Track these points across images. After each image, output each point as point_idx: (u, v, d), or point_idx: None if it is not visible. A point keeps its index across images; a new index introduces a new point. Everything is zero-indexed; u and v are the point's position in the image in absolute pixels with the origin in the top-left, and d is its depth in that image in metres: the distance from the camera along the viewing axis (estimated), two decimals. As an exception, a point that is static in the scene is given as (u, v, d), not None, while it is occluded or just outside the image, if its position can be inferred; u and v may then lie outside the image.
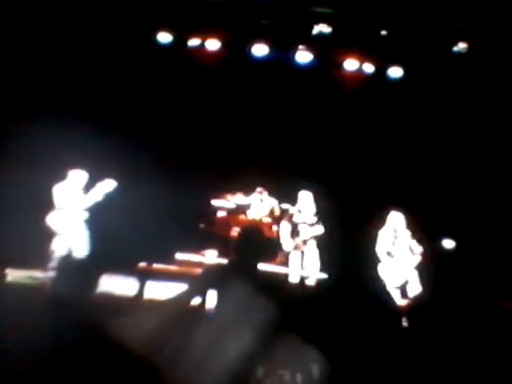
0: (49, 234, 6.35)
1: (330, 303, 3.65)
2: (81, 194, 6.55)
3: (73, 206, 6.45)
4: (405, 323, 4.75)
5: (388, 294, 5.87)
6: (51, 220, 6.41)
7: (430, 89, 8.29)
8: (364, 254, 7.00)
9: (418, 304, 5.60)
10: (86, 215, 6.51)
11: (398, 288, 6.61)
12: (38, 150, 6.97)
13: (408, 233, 6.96)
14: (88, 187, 6.60)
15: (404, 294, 6.51)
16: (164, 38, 8.25)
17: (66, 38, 7.81)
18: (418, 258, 6.71)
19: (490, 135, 8.07)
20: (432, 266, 6.62)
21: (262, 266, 3.64)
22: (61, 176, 6.56)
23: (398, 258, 6.82)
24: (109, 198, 6.54)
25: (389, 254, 6.83)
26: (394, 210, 7.07)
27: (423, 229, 7.03)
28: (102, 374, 3.60)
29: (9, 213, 6.47)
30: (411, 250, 6.82)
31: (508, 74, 7.81)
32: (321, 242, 7.26)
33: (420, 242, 6.83)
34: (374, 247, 6.95)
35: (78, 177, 6.64)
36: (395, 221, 7.02)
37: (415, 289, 6.54)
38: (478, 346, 4.41)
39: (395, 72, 8.45)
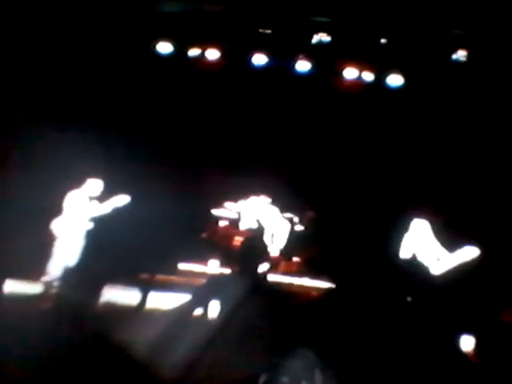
0: (53, 243, 6.34)
1: (335, 311, 3.65)
2: (85, 204, 6.56)
3: (77, 216, 6.45)
4: (411, 330, 4.74)
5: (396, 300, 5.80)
6: (55, 228, 6.41)
7: (429, 96, 8.29)
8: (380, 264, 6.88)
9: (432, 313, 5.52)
10: (90, 225, 6.51)
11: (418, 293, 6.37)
12: (42, 159, 6.99)
13: (435, 241, 6.74)
14: (90, 196, 6.61)
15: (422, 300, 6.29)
16: (164, 48, 8.29)
17: (68, 49, 7.84)
18: (443, 266, 6.46)
19: (490, 143, 8.07)
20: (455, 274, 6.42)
21: (266, 275, 3.64)
22: (64, 185, 6.57)
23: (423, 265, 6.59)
24: (112, 209, 6.56)
25: (413, 261, 6.63)
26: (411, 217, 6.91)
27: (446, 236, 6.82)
28: (104, 383, 3.60)
29: (13, 220, 6.48)
30: (437, 259, 6.58)
31: (508, 82, 7.82)
32: (332, 250, 7.21)
33: (447, 249, 6.62)
34: (396, 255, 6.76)
35: (81, 186, 6.64)
36: (417, 228, 6.79)
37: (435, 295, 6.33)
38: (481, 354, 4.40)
39: (395, 80, 8.46)
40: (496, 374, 4.24)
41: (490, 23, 7.50)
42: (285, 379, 3.18)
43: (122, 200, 6.59)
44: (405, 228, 6.94)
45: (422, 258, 6.63)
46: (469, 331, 5.14)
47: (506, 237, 7.34)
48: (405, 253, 6.69)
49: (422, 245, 6.77)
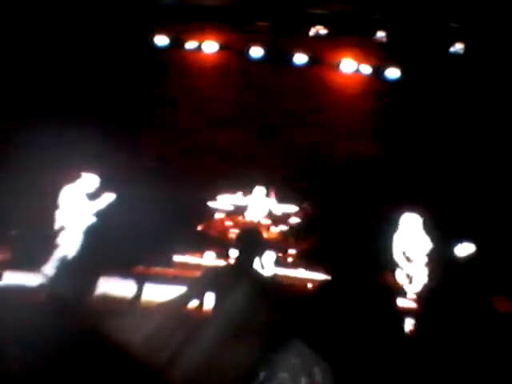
0: (48, 236, 6.34)
1: (333, 305, 3.63)
2: (80, 198, 6.55)
3: (74, 209, 6.44)
4: (409, 326, 4.73)
5: (393, 295, 5.80)
6: (51, 222, 6.40)
7: (427, 89, 8.29)
8: (376, 257, 6.85)
9: (427, 308, 5.50)
10: (84, 218, 6.50)
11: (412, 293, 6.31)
12: (38, 153, 6.98)
13: (426, 237, 6.72)
14: (86, 190, 6.60)
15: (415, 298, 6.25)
16: (161, 40, 8.26)
17: (65, 41, 7.81)
18: (433, 264, 6.38)
19: (487, 135, 8.07)
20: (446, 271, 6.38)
21: (262, 268, 3.63)
22: (60, 178, 6.56)
23: (414, 262, 6.54)
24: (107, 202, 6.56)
25: (404, 257, 6.60)
26: (405, 211, 6.89)
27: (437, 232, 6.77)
28: (100, 376, 3.59)
29: (10, 213, 6.48)
30: (427, 256, 6.54)
31: (505, 74, 7.82)
32: (328, 242, 7.20)
33: (437, 245, 6.58)
34: (387, 250, 6.75)
35: (77, 180, 6.63)
36: (409, 223, 6.77)
37: (426, 293, 6.29)
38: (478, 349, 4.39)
39: (392, 73, 8.45)
40: (490, 364, 4.25)
41: (487, 16, 7.51)
42: (285, 375, 3.17)
43: (113, 195, 6.59)
44: (398, 222, 6.97)
45: (415, 252, 6.65)
46: (462, 321, 5.14)
47: (496, 228, 7.36)
48: (398, 246, 6.72)
49: (413, 239, 6.79)
